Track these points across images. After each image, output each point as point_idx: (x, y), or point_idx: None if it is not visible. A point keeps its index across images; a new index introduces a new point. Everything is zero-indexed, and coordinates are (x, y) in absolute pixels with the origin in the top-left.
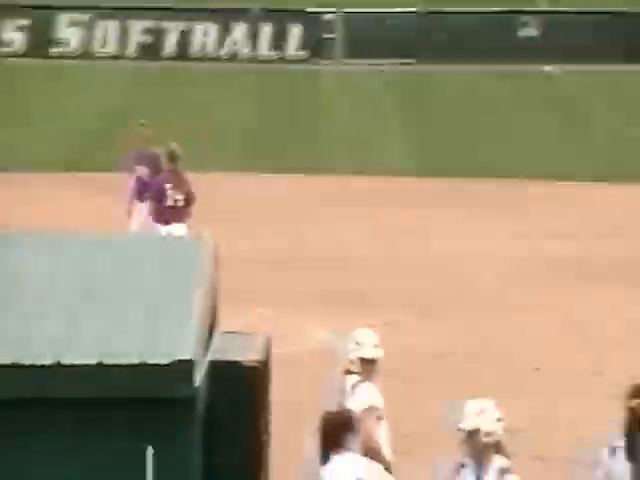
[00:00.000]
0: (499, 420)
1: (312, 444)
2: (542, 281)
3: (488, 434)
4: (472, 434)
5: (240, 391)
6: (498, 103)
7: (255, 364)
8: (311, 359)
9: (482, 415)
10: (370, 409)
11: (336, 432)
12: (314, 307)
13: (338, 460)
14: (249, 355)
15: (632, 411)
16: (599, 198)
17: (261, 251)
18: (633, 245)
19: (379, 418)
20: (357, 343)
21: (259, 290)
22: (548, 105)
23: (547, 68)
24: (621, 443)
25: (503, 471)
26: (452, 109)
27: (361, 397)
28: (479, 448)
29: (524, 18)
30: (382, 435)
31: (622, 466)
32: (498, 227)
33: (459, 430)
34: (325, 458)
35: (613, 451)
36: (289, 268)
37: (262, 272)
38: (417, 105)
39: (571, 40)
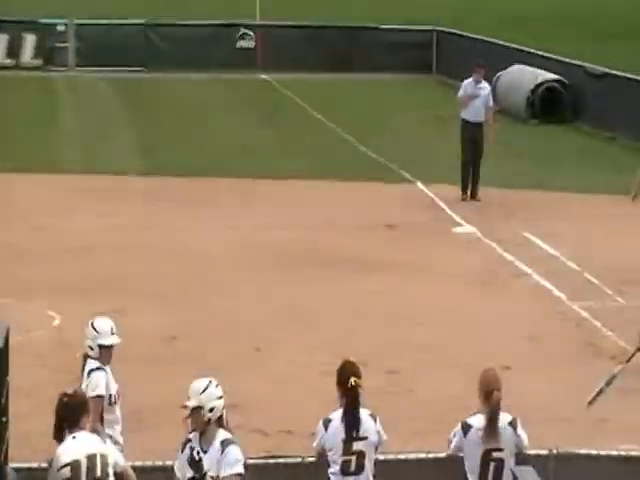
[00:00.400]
0: (220, 397)
1: (50, 424)
2: (258, 267)
3: (211, 410)
4: (196, 410)
5: None
6: (220, 107)
7: None
8: (48, 344)
9: (205, 393)
10: (100, 398)
11: (71, 413)
12: (50, 295)
13: (72, 438)
14: None
15: (353, 389)
16: (312, 195)
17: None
18: (344, 235)
19: (113, 404)
20: (96, 331)
21: None
22: (264, 109)
23: (263, 76)
24: (335, 416)
25: (226, 443)
26: (178, 113)
27: (94, 384)
28: (203, 423)
29: (243, 31)
30: (117, 416)
31: (335, 438)
32: (221, 221)
33: (184, 407)
34: (61, 437)
35: (327, 424)
36: (26, 259)
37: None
38: (144, 109)
39: (284, 51)
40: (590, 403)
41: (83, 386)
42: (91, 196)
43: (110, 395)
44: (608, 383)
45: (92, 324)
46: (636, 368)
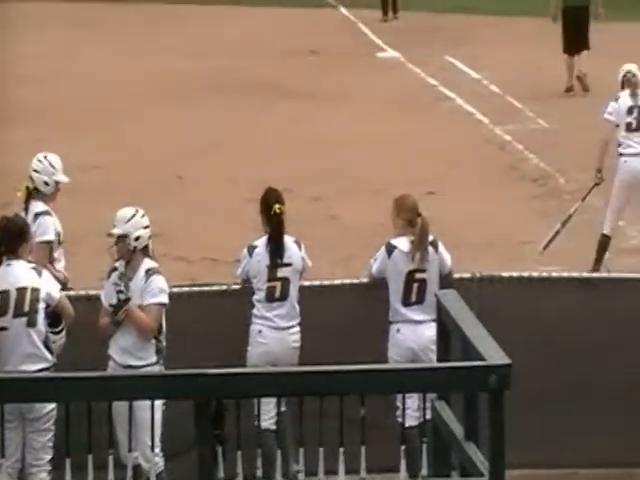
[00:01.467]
0: (147, 227)
1: None
2: (177, 95)
3: (137, 239)
4: (122, 239)
5: None
6: None
7: None
8: None
9: (131, 222)
10: (49, 243)
11: (9, 237)
12: None
13: (7, 266)
14: None
15: (277, 216)
16: (231, 20)
17: None
18: (265, 61)
19: (60, 243)
20: (52, 166)
21: None
22: None
23: None
24: (260, 243)
25: (150, 272)
26: None
27: (44, 229)
28: (129, 252)
29: None
30: (61, 253)
31: (259, 264)
32: (139, 48)
33: (110, 236)
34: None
35: (251, 250)
36: None
37: None
38: None
39: None
40: (545, 248)
41: (32, 228)
42: (9, 23)
43: (58, 234)
44: (564, 223)
45: (47, 159)
46: None
